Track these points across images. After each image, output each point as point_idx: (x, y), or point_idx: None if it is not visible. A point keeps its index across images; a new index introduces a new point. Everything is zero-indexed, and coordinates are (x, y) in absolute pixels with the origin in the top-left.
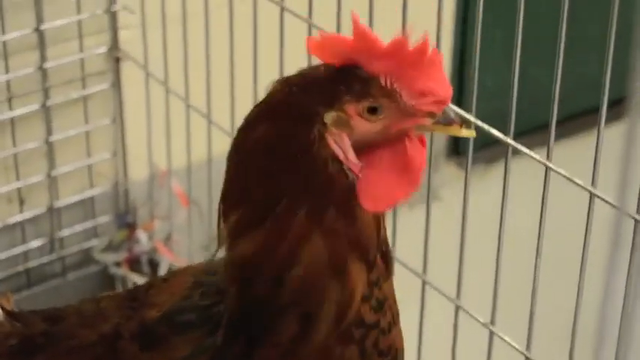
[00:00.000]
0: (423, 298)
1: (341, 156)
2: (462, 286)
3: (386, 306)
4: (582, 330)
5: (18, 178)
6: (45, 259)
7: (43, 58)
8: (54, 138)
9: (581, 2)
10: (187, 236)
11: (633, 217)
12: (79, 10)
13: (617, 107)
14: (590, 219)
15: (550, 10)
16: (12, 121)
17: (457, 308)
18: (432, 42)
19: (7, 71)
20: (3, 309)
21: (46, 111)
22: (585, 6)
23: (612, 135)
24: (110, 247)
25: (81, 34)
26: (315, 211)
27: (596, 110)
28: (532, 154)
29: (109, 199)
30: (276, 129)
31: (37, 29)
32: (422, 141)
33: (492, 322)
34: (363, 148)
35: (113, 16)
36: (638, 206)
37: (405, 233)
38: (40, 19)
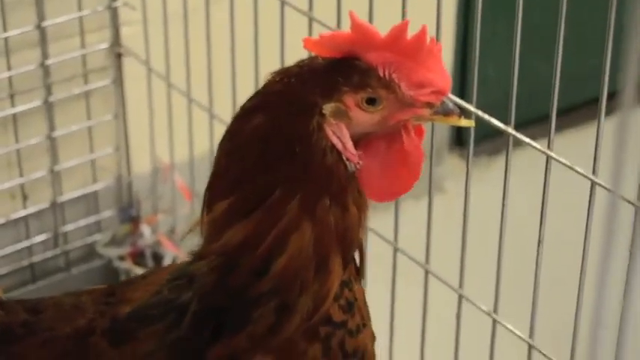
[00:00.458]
0: (426, 287)
1: (339, 146)
2: (464, 275)
3: (355, 308)
4: (585, 318)
5: (21, 174)
6: (49, 254)
7: (45, 54)
8: (57, 134)
9: None
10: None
11: (633, 204)
12: (80, 7)
13: (618, 98)
14: (591, 208)
15: (551, 1)
16: (14, 117)
17: (460, 297)
18: (431, 33)
19: (9, 68)
20: None
21: (48, 107)
22: None
23: (612, 125)
24: (114, 241)
25: (82, 30)
26: (308, 200)
27: (597, 101)
28: (533, 143)
29: (113, 193)
30: (273, 119)
31: (38, 26)
32: (420, 132)
33: (495, 310)
34: (362, 140)
35: (114, 13)
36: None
37: (410, 224)
38: (41, 16)
